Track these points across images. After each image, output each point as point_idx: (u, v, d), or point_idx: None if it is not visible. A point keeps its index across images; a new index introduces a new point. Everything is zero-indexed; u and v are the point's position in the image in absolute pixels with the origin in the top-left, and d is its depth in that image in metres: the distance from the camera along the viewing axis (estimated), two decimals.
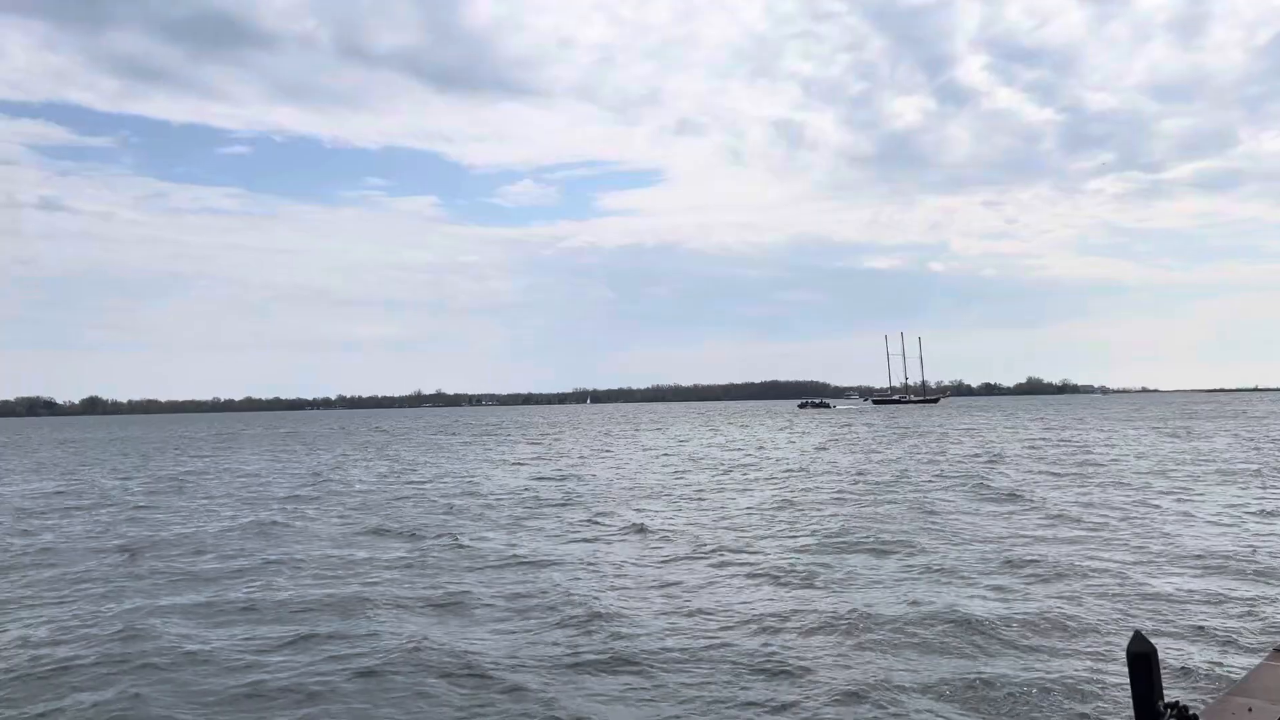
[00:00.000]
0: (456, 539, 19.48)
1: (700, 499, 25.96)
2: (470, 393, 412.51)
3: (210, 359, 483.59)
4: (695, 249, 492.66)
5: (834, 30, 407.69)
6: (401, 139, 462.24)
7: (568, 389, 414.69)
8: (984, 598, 12.78)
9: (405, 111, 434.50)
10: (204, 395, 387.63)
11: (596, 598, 13.34)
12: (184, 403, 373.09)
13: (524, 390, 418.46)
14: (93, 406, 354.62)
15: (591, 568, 15.88)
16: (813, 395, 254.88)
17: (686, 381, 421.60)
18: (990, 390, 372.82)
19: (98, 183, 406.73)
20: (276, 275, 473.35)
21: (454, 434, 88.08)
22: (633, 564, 16.24)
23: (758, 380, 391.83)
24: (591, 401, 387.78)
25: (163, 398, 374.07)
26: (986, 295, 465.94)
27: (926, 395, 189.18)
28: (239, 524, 22.88)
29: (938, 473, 32.18)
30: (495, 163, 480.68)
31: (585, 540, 19.05)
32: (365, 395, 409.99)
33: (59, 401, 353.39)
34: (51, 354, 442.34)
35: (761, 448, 50.81)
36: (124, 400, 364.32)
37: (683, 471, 35.78)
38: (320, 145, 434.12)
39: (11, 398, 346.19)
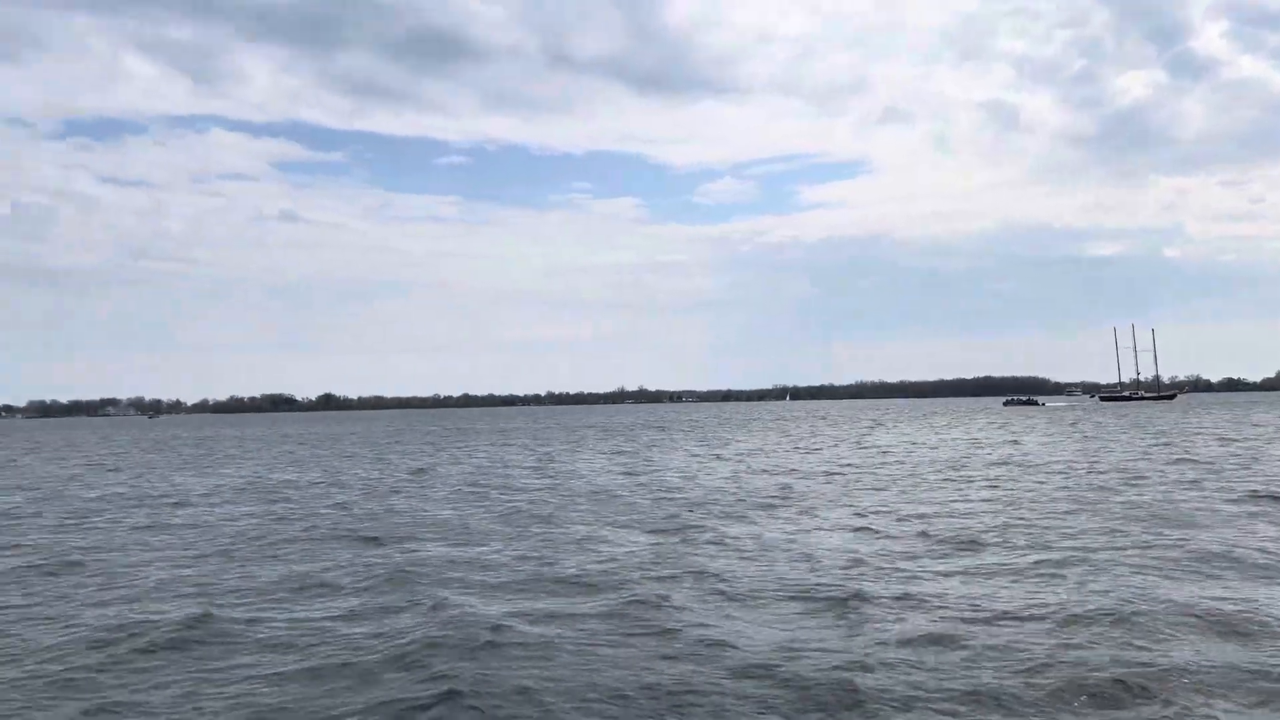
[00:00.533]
0: (709, 528, 19.68)
1: (937, 492, 24.85)
2: (670, 389, 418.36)
3: (430, 358, 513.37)
4: (901, 240, 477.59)
5: (1051, 6, 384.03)
6: (605, 142, 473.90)
7: (767, 385, 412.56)
8: None
9: (608, 115, 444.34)
10: (425, 392, 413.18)
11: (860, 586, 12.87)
12: (407, 399, 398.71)
13: (723, 387, 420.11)
14: (327, 403, 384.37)
15: (855, 559, 15.38)
16: (1033, 392, 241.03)
17: (891, 378, 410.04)
18: (1233, 386, 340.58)
19: (331, 195, 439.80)
20: (489, 279, 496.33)
21: (663, 429, 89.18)
22: (904, 557, 15.66)
23: (969, 376, 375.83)
24: (791, 398, 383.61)
25: (388, 394, 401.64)
26: (1227, 282, 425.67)
27: (1160, 391, 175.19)
28: (496, 512, 24.13)
29: (1193, 477, 29.43)
30: (695, 161, 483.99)
31: (851, 530, 18.58)
32: (572, 392, 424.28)
33: (298, 398, 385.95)
34: (291, 354, 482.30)
35: (980, 445, 48.33)
36: (354, 397, 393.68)
37: (912, 466, 34.45)
38: (529, 152, 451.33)
39: (258, 394, 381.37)
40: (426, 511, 24.87)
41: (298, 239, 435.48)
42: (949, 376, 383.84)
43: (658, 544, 18.43)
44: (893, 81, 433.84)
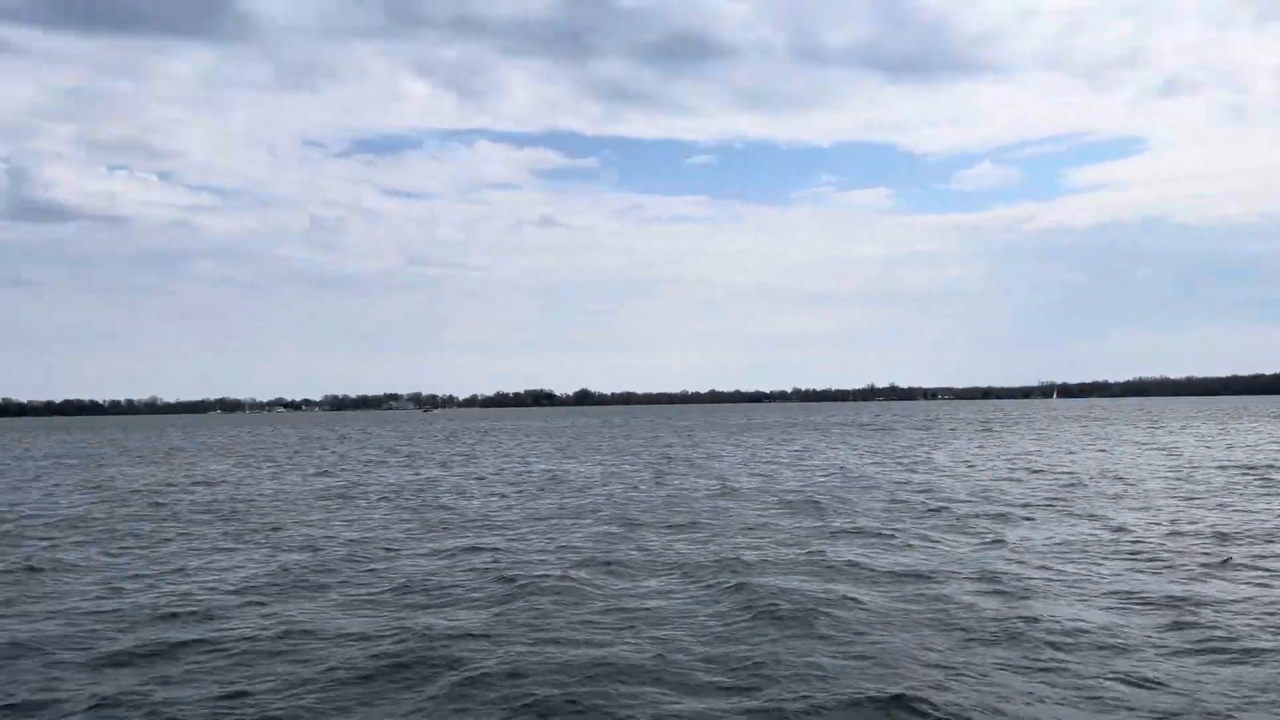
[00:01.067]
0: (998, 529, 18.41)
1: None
2: (924, 386, 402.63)
3: (678, 355, 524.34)
4: (1185, 223, 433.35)
5: None
6: (853, 133, 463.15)
7: (1031, 382, 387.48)
8: None
9: (857, 105, 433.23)
10: (673, 388, 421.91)
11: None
12: (657, 395, 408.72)
13: (982, 384, 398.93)
14: (583, 398, 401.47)
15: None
16: None
17: (1175, 373, 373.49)
18: None
19: (585, 199, 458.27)
20: (736, 275, 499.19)
21: (927, 428, 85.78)
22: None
23: (1269, 372, 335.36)
24: (1058, 396, 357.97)
25: (639, 390, 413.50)
26: None
27: None
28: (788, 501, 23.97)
29: None
30: (950, 147, 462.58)
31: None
32: (819, 389, 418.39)
33: (557, 394, 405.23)
34: (550, 353, 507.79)
35: None
36: (608, 393, 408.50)
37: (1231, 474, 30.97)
38: (776, 147, 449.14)
39: (521, 390, 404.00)
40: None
41: (555, 243, 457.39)
42: (1243, 372, 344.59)
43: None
44: (1176, 50, 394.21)
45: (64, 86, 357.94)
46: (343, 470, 43.55)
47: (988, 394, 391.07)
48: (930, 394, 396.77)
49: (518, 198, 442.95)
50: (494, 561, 17.42)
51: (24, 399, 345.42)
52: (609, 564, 16.85)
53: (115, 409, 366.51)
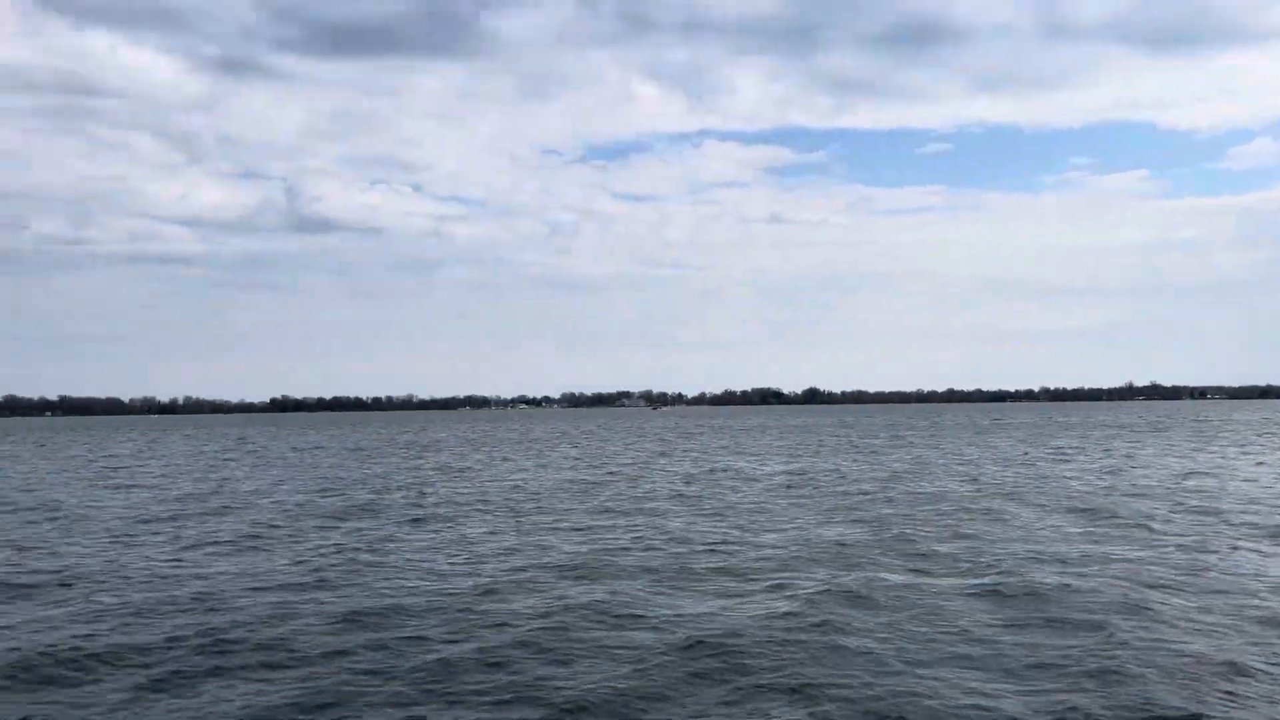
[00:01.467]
0: None
1: None
2: (1190, 384, 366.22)
3: (913, 352, 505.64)
4: None
5: None
6: (1107, 113, 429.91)
7: None
8: None
9: (1111, 83, 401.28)
10: (907, 386, 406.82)
11: None
12: (889, 394, 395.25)
13: (1260, 381, 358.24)
14: (812, 397, 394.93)
15: None
16: None
17: None
18: None
19: (814, 194, 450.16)
20: (976, 267, 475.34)
21: (1208, 431, 77.67)
22: None
23: None
24: None
25: (870, 389, 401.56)
26: None
27: None
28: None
29: None
30: (1219, 124, 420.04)
31: None
32: (1069, 387, 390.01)
33: (785, 392, 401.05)
34: (778, 351, 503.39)
35: None
36: (838, 391, 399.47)
37: None
38: (1020, 132, 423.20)
39: (749, 388, 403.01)
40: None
41: (784, 239, 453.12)
42: None
43: None
44: None
45: (330, 109, 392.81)
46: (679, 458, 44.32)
47: (1266, 393, 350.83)
48: (1198, 393, 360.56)
49: (746, 196, 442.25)
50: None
51: (299, 396, 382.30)
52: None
53: (376, 405, 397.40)
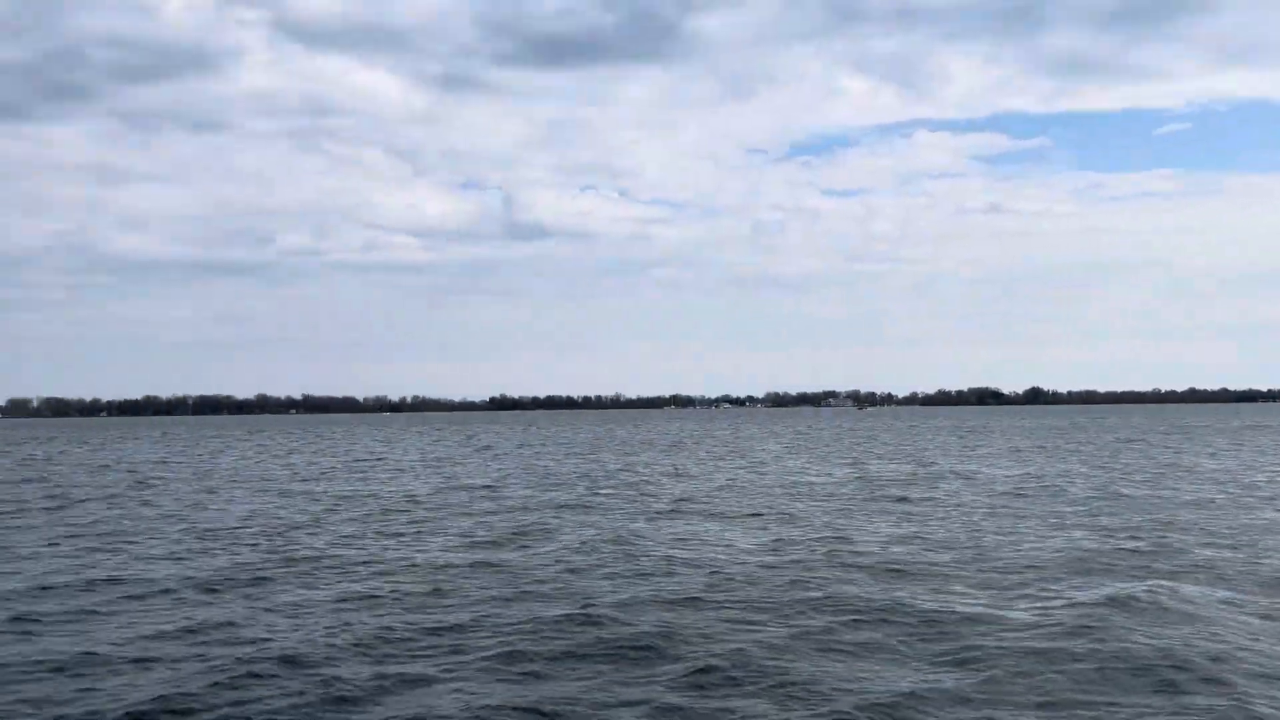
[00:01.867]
0: None
1: None
2: None
3: (1147, 347, 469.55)
4: None
5: None
6: None
7: None
8: None
9: None
10: (1143, 385, 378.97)
11: None
12: (1122, 393, 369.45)
13: None
14: (1034, 397, 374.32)
15: None
16: None
17: None
18: None
19: (1034, 182, 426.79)
20: (1218, 256, 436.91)
21: None
22: None
23: None
24: None
25: (1101, 388, 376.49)
26: None
27: None
28: None
29: None
30: None
31: None
32: None
33: (1004, 391, 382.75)
34: (997, 347, 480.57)
35: None
36: (1063, 391, 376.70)
37: None
38: (1274, 107, 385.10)
39: (965, 388, 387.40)
40: None
41: (1001, 229, 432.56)
42: None
43: None
44: None
45: (544, 118, 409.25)
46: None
47: None
48: None
49: (959, 186, 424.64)
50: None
51: (515, 395, 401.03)
52: None
53: (586, 403, 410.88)
